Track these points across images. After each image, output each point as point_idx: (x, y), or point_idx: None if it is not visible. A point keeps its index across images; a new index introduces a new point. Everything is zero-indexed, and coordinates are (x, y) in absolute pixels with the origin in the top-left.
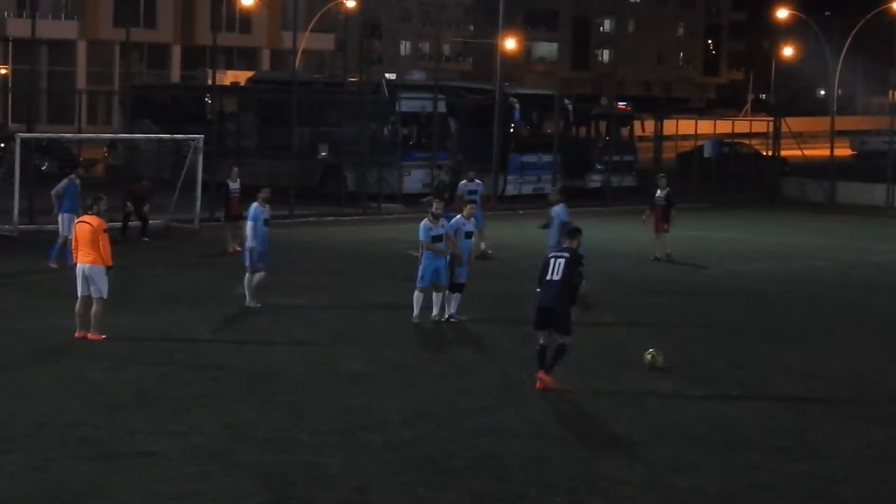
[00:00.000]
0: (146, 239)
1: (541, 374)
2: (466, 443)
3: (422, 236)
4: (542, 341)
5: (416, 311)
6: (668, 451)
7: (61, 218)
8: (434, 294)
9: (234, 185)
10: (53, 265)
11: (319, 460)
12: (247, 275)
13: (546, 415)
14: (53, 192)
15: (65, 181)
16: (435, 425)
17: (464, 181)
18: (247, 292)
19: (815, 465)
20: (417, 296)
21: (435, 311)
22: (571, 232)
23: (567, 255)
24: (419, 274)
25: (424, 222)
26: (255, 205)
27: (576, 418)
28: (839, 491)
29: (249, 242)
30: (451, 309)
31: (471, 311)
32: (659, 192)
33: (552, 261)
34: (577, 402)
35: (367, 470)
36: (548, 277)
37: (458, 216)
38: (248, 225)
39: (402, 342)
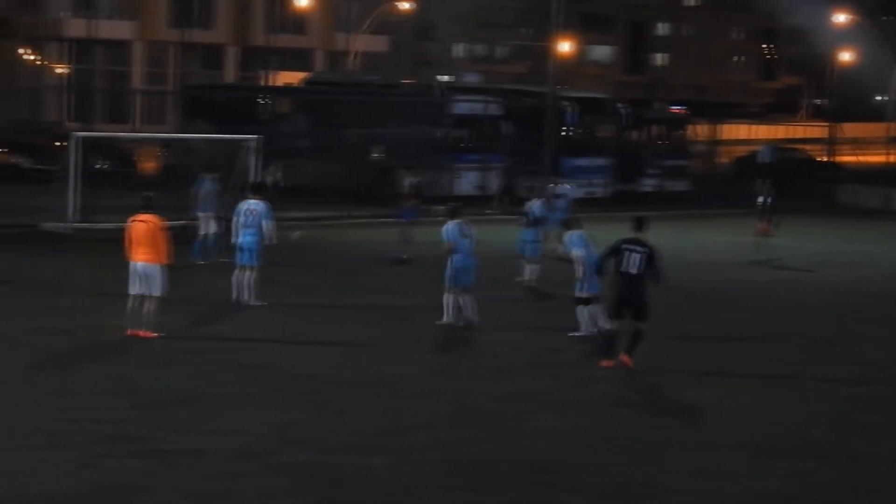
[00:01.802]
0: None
1: (624, 357)
2: (509, 446)
3: (449, 237)
4: (614, 327)
5: (446, 315)
6: (711, 458)
7: (200, 217)
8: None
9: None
10: (199, 262)
11: (363, 461)
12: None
13: (589, 420)
14: (192, 192)
15: (201, 181)
16: (478, 429)
17: (552, 185)
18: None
19: (857, 473)
20: (447, 298)
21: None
22: (642, 221)
23: (643, 249)
24: (449, 275)
25: (454, 223)
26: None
27: (619, 424)
28: (874, 500)
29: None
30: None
31: (520, 316)
32: (761, 197)
33: (626, 253)
34: (620, 408)
35: (409, 471)
36: (623, 269)
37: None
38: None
39: (446, 344)
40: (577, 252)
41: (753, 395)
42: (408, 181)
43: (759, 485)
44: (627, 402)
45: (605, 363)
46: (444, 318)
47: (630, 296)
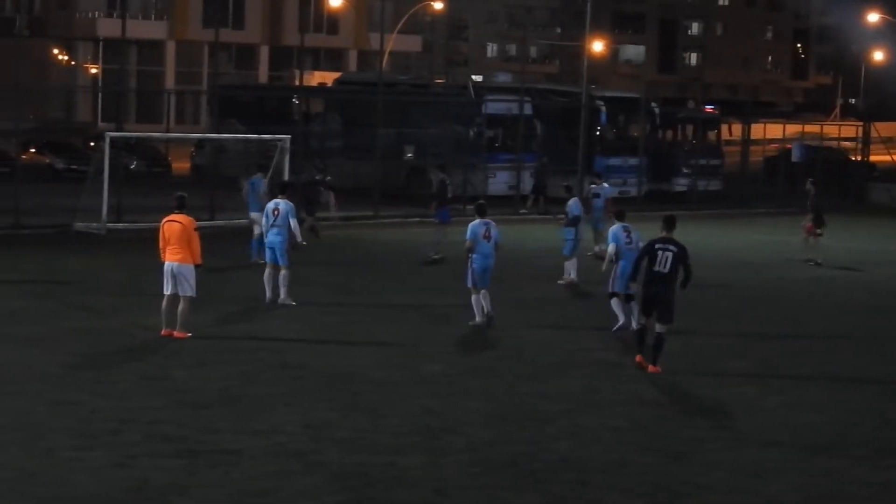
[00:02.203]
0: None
1: (650, 368)
2: (546, 446)
3: (470, 235)
4: (643, 322)
5: (478, 315)
6: (749, 456)
7: (253, 216)
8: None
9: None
10: (259, 261)
11: (400, 461)
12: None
13: (626, 420)
14: (243, 192)
15: (251, 181)
16: (515, 428)
17: (592, 184)
18: (282, 288)
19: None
20: (475, 298)
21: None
22: (672, 220)
23: (674, 248)
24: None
25: (479, 222)
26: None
27: (656, 423)
28: None
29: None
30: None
31: (552, 316)
32: (811, 197)
33: (659, 252)
34: (657, 407)
35: (447, 471)
36: (656, 268)
37: None
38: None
39: (482, 344)
40: (611, 246)
41: (790, 393)
42: (437, 180)
43: (796, 483)
44: (664, 401)
45: (637, 359)
46: (477, 319)
47: (658, 295)
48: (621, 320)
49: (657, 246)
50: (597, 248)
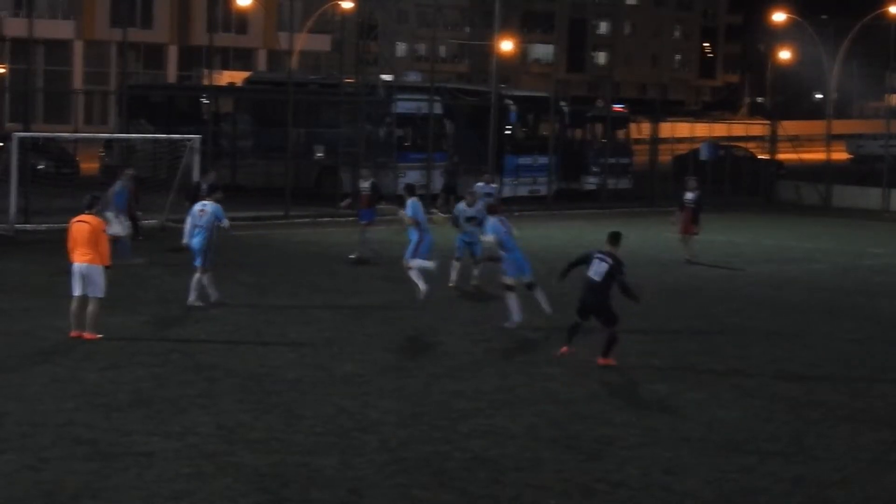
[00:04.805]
0: (140, 238)
1: (601, 360)
2: (461, 444)
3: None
4: (577, 320)
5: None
6: (662, 453)
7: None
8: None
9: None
10: (140, 261)
11: (314, 461)
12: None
13: (540, 417)
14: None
15: (117, 181)
16: (429, 427)
17: (481, 182)
18: (192, 292)
19: (811, 468)
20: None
21: (453, 278)
22: (617, 237)
23: (611, 261)
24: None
25: (414, 200)
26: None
27: (570, 421)
28: (834, 494)
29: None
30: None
31: (467, 314)
32: (689, 194)
33: (596, 261)
34: (571, 404)
35: (361, 471)
36: (589, 274)
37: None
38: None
39: (396, 344)
40: (489, 236)
41: (702, 390)
42: (366, 181)
43: (710, 479)
44: (579, 399)
45: (563, 349)
46: (421, 288)
47: (591, 302)
48: (515, 318)
49: (596, 255)
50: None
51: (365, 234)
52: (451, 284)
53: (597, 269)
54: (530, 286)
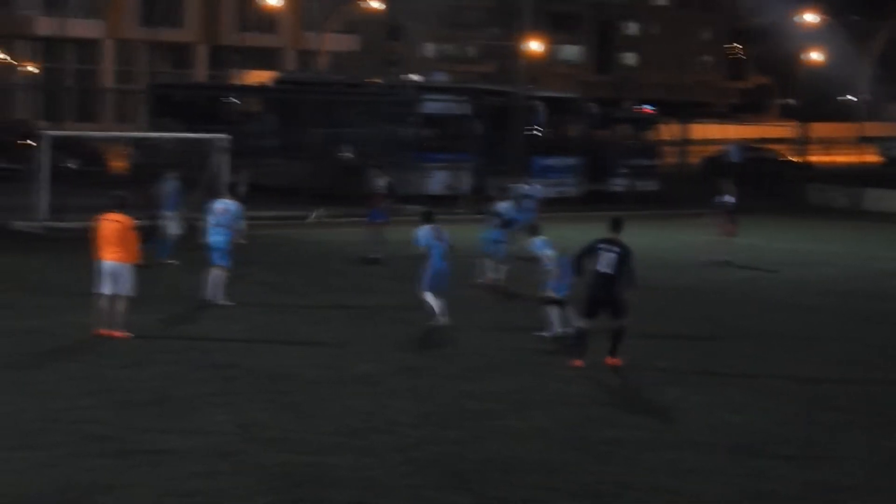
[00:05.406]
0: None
1: (609, 360)
2: (473, 446)
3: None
4: (583, 325)
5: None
6: (673, 456)
7: (167, 216)
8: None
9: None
10: (170, 262)
11: (328, 461)
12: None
13: (552, 419)
14: (155, 191)
15: (164, 181)
16: (442, 428)
17: (521, 184)
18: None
19: (822, 472)
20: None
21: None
22: (619, 222)
23: (618, 249)
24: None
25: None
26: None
27: (581, 422)
28: (845, 499)
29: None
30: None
31: (484, 316)
32: (728, 196)
33: (603, 253)
34: (582, 406)
35: (374, 471)
36: (599, 269)
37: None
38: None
39: (411, 344)
40: (546, 253)
41: (719, 393)
42: (381, 181)
43: (725, 483)
44: (595, 401)
45: (575, 363)
46: (438, 319)
47: (604, 295)
48: (557, 328)
49: (601, 246)
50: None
51: (379, 235)
52: (481, 281)
53: (606, 261)
54: (561, 302)
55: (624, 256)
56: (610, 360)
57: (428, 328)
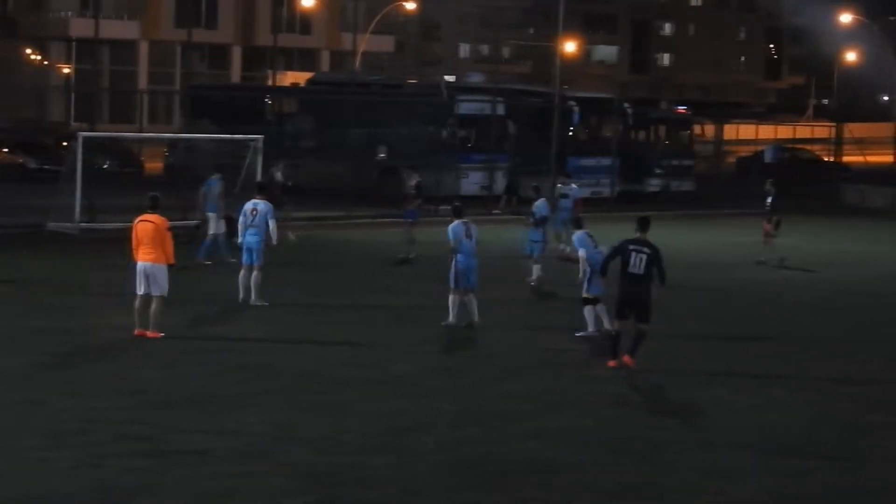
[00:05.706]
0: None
1: (626, 358)
2: (514, 446)
3: (452, 236)
4: (617, 328)
5: (451, 315)
6: (717, 457)
7: (210, 217)
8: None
9: None
10: (205, 262)
11: (367, 461)
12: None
13: (593, 420)
14: (200, 192)
15: (209, 182)
16: (483, 428)
17: (559, 184)
18: (253, 289)
19: (866, 474)
20: (453, 299)
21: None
22: (646, 221)
23: (648, 250)
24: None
25: (458, 223)
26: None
27: (622, 423)
28: (889, 501)
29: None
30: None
31: (524, 316)
32: (771, 199)
33: (633, 254)
34: (624, 407)
35: (414, 471)
36: (630, 270)
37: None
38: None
39: (450, 344)
40: (581, 252)
41: (758, 394)
42: (411, 181)
43: (763, 484)
44: (632, 402)
45: (610, 363)
46: (450, 319)
47: (634, 296)
48: (591, 328)
49: (631, 247)
50: (563, 249)
51: (410, 234)
52: (530, 281)
53: (636, 262)
54: (596, 301)
55: (654, 257)
56: (626, 359)
57: (464, 328)
